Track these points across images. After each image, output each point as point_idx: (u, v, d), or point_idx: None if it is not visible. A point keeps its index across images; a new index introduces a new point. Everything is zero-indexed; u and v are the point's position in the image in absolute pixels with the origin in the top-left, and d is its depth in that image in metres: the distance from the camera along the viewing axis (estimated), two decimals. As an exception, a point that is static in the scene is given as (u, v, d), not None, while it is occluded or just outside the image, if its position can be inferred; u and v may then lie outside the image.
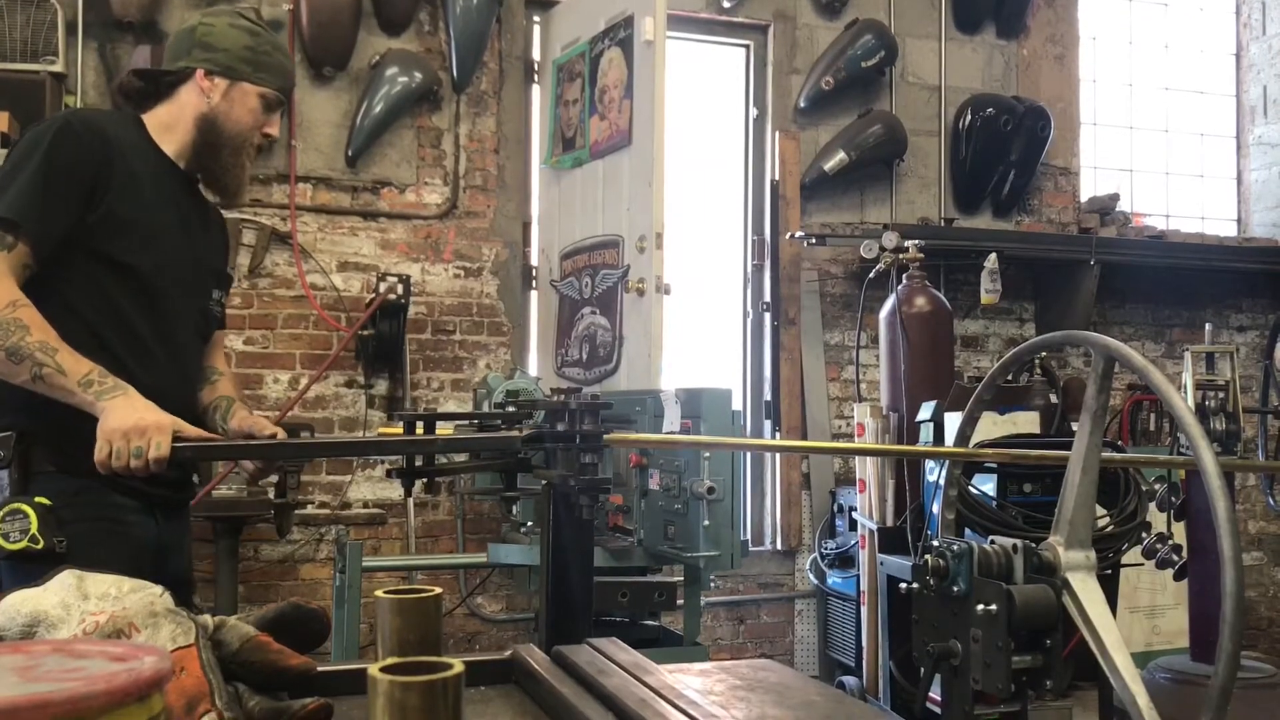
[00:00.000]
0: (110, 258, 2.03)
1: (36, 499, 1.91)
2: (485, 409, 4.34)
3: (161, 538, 2.12)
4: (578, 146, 4.76)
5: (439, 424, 2.02)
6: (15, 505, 1.90)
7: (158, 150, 2.15)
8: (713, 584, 4.57)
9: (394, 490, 4.69)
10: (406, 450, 1.80)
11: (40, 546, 1.89)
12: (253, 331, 4.62)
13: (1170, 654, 4.29)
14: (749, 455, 5.11)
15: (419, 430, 1.83)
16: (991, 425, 3.81)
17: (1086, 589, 1.59)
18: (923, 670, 1.70)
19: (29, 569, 1.74)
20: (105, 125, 2.08)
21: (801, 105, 5.43)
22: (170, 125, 2.16)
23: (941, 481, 2.49)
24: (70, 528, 1.92)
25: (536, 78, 5.13)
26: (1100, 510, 3.33)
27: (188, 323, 2.22)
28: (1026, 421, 3.97)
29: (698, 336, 5.40)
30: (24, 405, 1.93)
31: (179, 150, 2.17)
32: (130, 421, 1.81)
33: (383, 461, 4.52)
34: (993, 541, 1.65)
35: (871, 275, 4.68)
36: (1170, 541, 3.67)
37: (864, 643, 4.57)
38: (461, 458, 1.95)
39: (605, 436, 1.68)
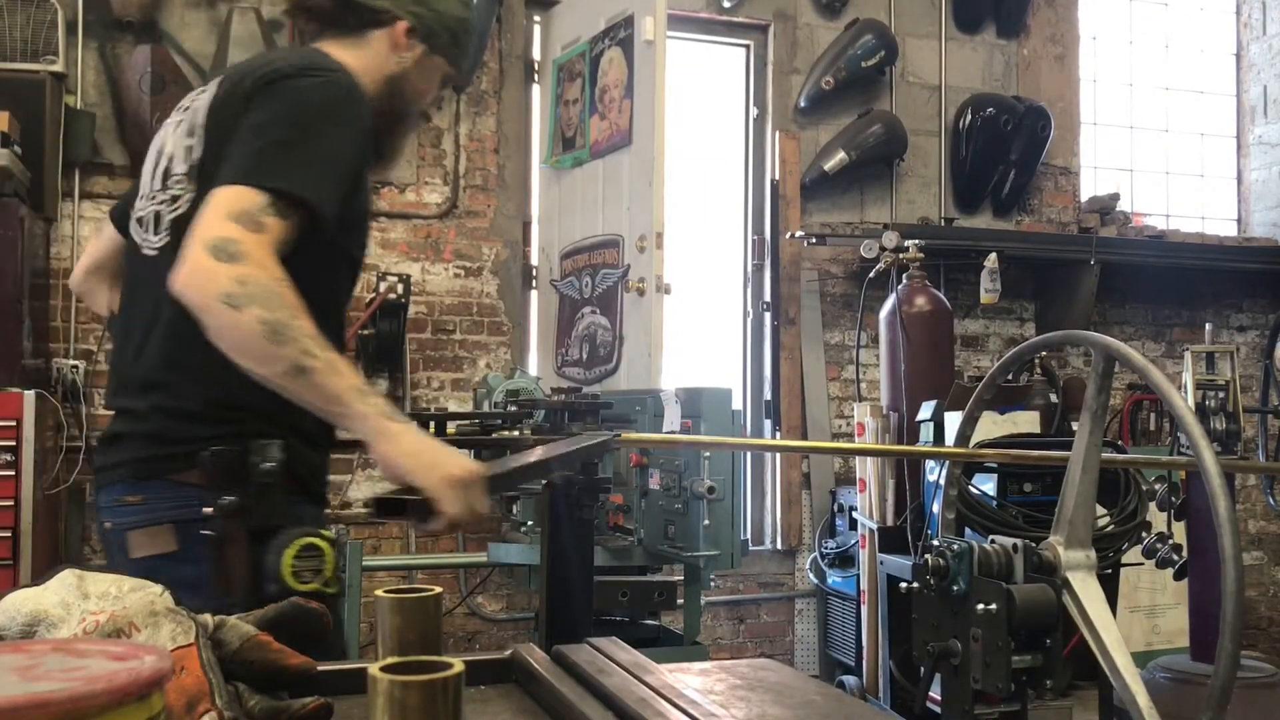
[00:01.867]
0: (347, 253, 1.77)
1: (323, 532, 1.51)
2: (485, 409, 4.34)
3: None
4: (578, 146, 4.76)
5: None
6: (311, 540, 1.48)
7: None
8: (713, 583, 4.57)
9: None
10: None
11: (333, 591, 1.50)
12: (253, 331, 4.61)
13: (1170, 654, 4.28)
14: (749, 455, 5.11)
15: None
16: (991, 425, 3.81)
17: (1086, 588, 1.60)
18: (923, 670, 1.70)
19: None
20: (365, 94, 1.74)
21: (802, 105, 5.43)
22: (359, 74, 1.76)
23: (941, 481, 2.50)
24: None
25: (537, 77, 5.13)
26: (1100, 510, 3.33)
27: None
28: (1026, 421, 3.97)
29: (698, 336, 5.40)
30: (269, 413, 1.55)
31: None
32: (459, 459, 1.46)
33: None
34: (993, 541, 1.65)
35: (871, 275, 4.68)
36: (1170, 541, 3.67)
37: (864, 642, 4.57)
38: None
39: (614, 436, 1.67)
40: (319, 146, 1.59)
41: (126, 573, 1.02)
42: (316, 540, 1.48)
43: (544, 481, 1.68)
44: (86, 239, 4.36)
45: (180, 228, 1.58)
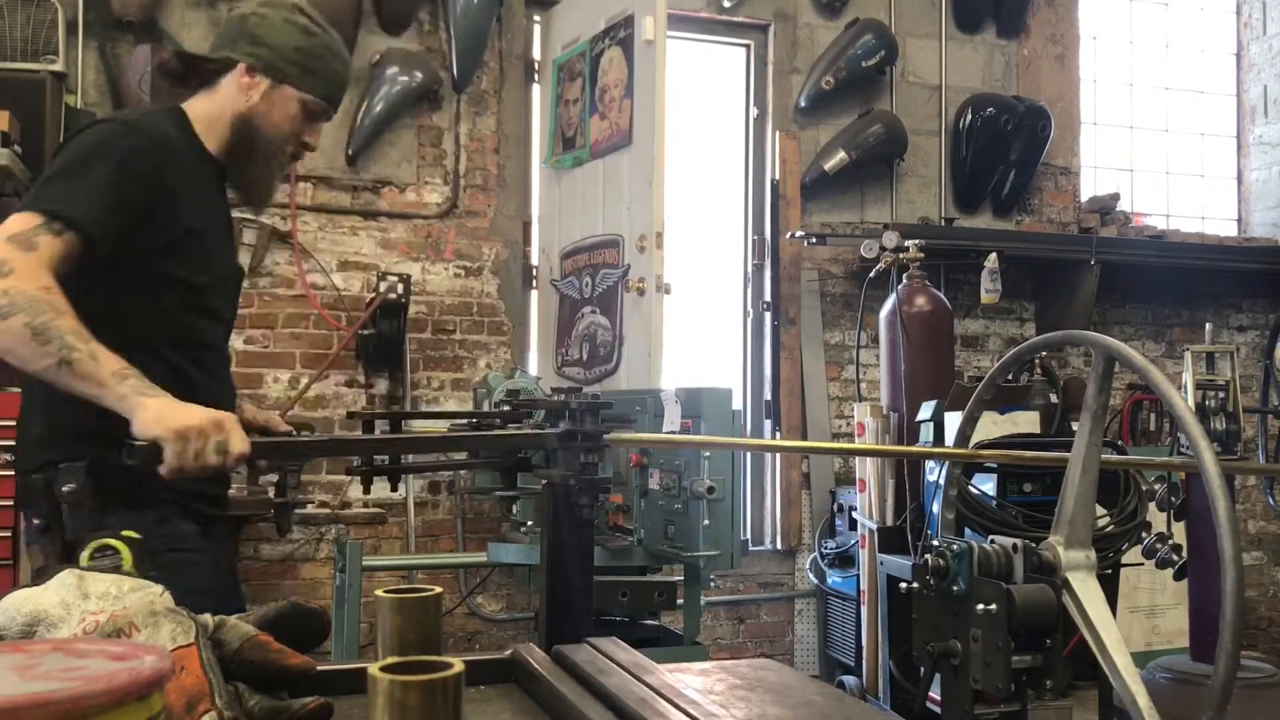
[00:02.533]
0: (171, 275, 1.92)
1: (124, 533, 1.65)
2: (485, 408, 4.34)
3: (217, 560, 2.05)
4: (578, 146, 4.76)
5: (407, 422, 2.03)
6: (104, 541, 1.63)
7: (203, 149, 2.03)
8: (713, 583, 4.57)
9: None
10: (432, 448, 1.77)
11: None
12: (253, 331, 4.62)
13: (1170, 654, 4.28)
14: (749, 455, 5.11)
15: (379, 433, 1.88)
16: (991, 425, 3.81)
17: (1086, 589, 1.60)
18: (923, 670, 1.70)
19: None
20: (167, 135, 1.95)
21: (802, 105, 5.43)
22: (211, 120, 2.01)
23: (941, 481, 2.50)
24: (154, 560, 1.72)
25: (537, 77, 5.13)
26: (1100, 510, 3.33)
27: (229, 329, 2.17)
28: (1026, 421, 3.97)
29: (698, 336, 5.40)
30: (92, 433, 1.76)
31: (219, 147, 2.03)
32: (200, 417, 1.65)
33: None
34: (993, 541, 1.65)
35: (872, 275, 4.68)
36: (1170, 541, 3.67)
37: (864, 642, 4.57)
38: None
39: (606, 436, 1.68)
40: (87, 177, 1.81)
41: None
42: (110, 540, 1.58)
43: (544, 481, 1.69)
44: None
45: None
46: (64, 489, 1.74)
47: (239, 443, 1.66)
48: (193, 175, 1.97)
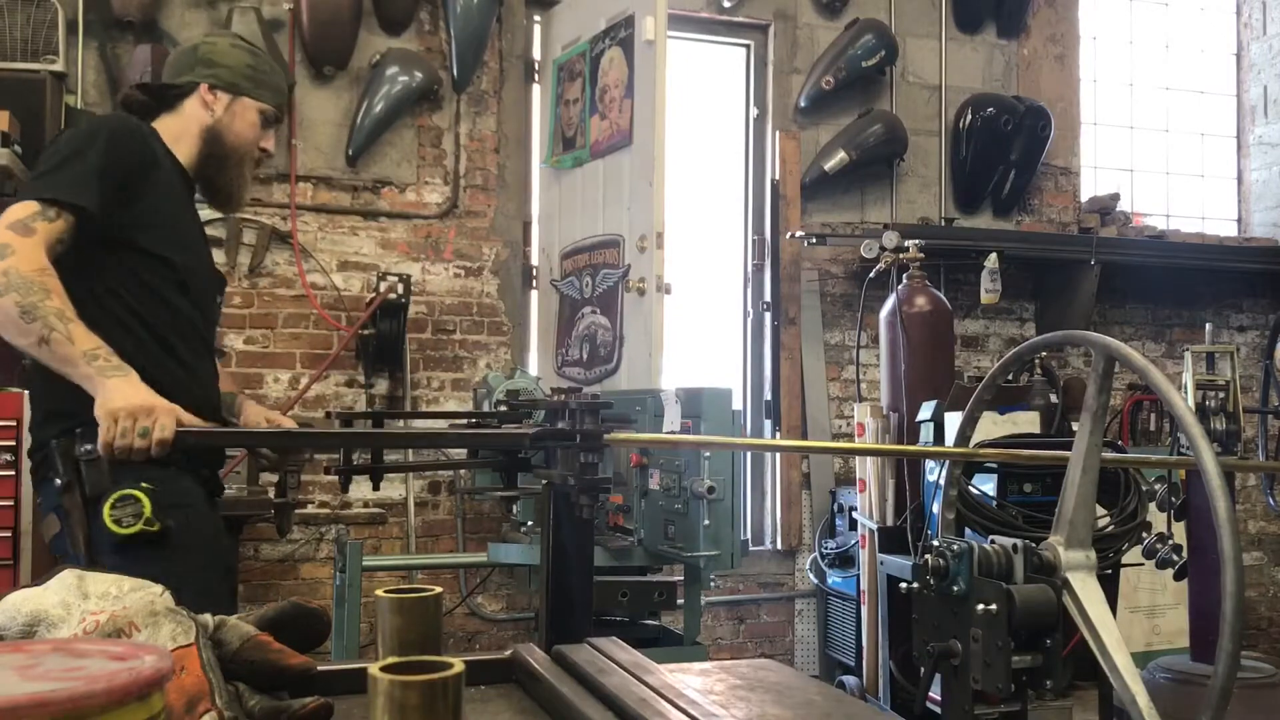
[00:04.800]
0: (151, 252, 2.11)
1: (143, 483, 1.88)
2: (485, 408, 4.34)
3: (215, 525, 2.23)
4: (578, 146, 4.76)
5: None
6: (126, 491, 1.85)
7: (176, 160, 2.25)
8: (713, 583, 4.57)
9: (394, 489, 4.70)
10: (410, 445, 1.81)
11: (156, 529, 1.86)
12: (253, 331, 4.62)
13: (1170, 654, 4.29)
14: (749, 455, 5.11)
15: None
16: (991, 425, 3.81)
17: (1086, 589, 1.59)
18: (923, 670, 1.70)
19: (141, 554, 1.85)
20: (146, 128, 2.20)
21: (802, 105, 5.43)
22: (179, 136, 2.25)
23: (941, 481, 2.50)
24: (167, 512, 1.91)
25: (537, 77, 5.13)
26: (1100, 510, 3.33)
27: (211, 320, 2.34)
28: (1026, 421, 3.97)
29: (698, 336, 5.40)
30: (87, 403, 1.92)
31: (188, 161, 2.26)
32: (136, 401, 1.80)
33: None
34: (993, 541, 1.65)
35: (872, 275, 4.68)
36: (1170, 541, 3.67)
37: (864, 642, 4.57)
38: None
39: (606, 436, 1.68)
40: (74, 163, 2.00)
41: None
42: (131, 490, 1.84)
43: (544, 481, 1.69)
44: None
45: None
46: (83, 449, 1.92)
47: (161, 430, 1.78)
48: (169, 170, 2.19)
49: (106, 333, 1.95)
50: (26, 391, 2.36)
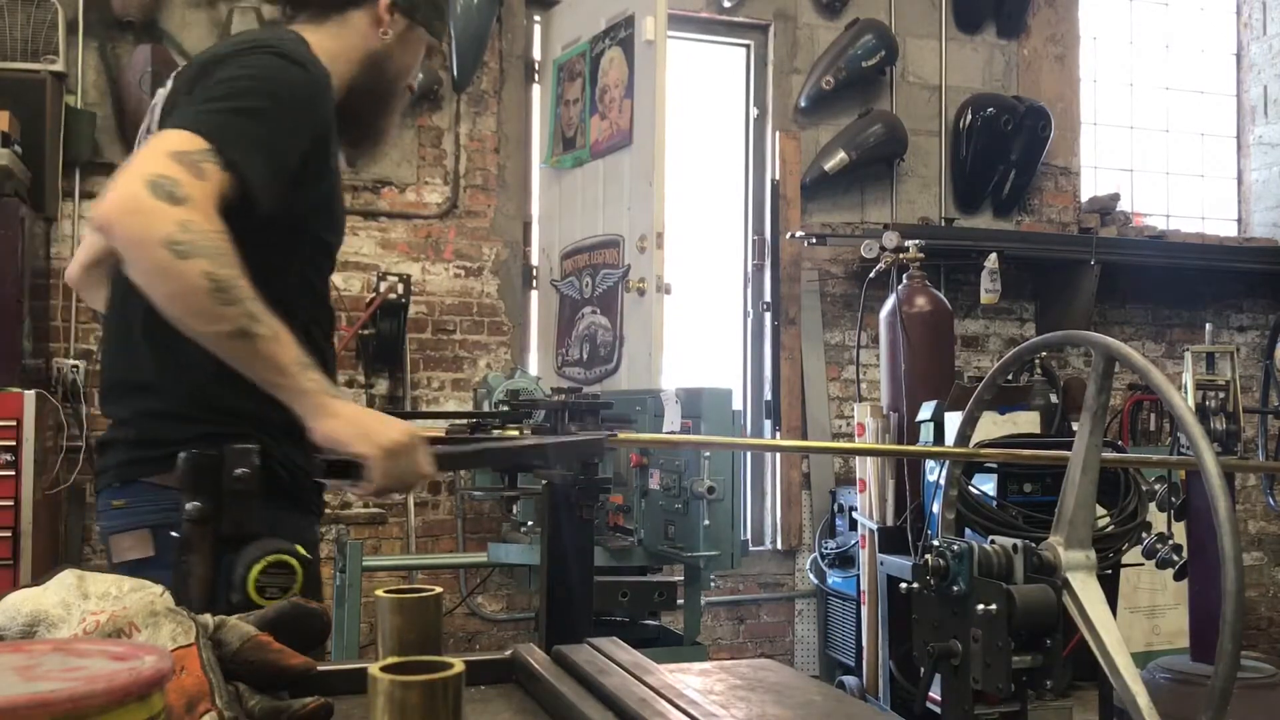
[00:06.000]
0: (312, 235, 1.72)
1: (299, 550, 1.41)
2: (485, 408, 4.34)
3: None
4: (578, 146, 4.76)
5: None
6: (282, 557, 1.37)
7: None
8: (713, 583, 4.57)
9: (394, 490, 4.69)
10: None
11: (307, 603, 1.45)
12: (253, 331, 4.61)
13: (1170, 654, 4.28)
14: (749, 455, 5.11)
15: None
16: (991, 425, 3.81)
17: (1086, 589, 1.60)
18: (923, 670, 1.70)
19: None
20: (322, 68, 1.70)
21: (802, 105, 5.43)
22: (337, 55, 1.76)
23: (941, 481, 2.50)
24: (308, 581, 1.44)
25: (537, 77, 5.13)
26: (1100, 510, 3.33)
27: None
28: (1026, 421, 3.97)
29: (698, 336, 5.40)
30: (251, 415, 1.51)
31: (339, 86, 1.76)
32: (399, 433, 1.45)
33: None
34: (993, 541, 1.65)
35: (872, 275, 4.68)
36: (1170, 541, 3.67)
37: (864, 642, 4.57)
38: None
39: (619, 435, 1.68)
40: (257, 120, 1.53)
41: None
42: (288, 558, 1.39)
43: (544, 481, 1.69)
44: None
45: None
46: (236, 473, 1.41)
47: (428, 461, 1.47)
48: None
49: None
50: (96, 362, 1.84)
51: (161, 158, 1.40)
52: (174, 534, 1.43)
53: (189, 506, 1.41)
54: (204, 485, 1.41)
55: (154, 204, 1.35)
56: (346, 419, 1.44)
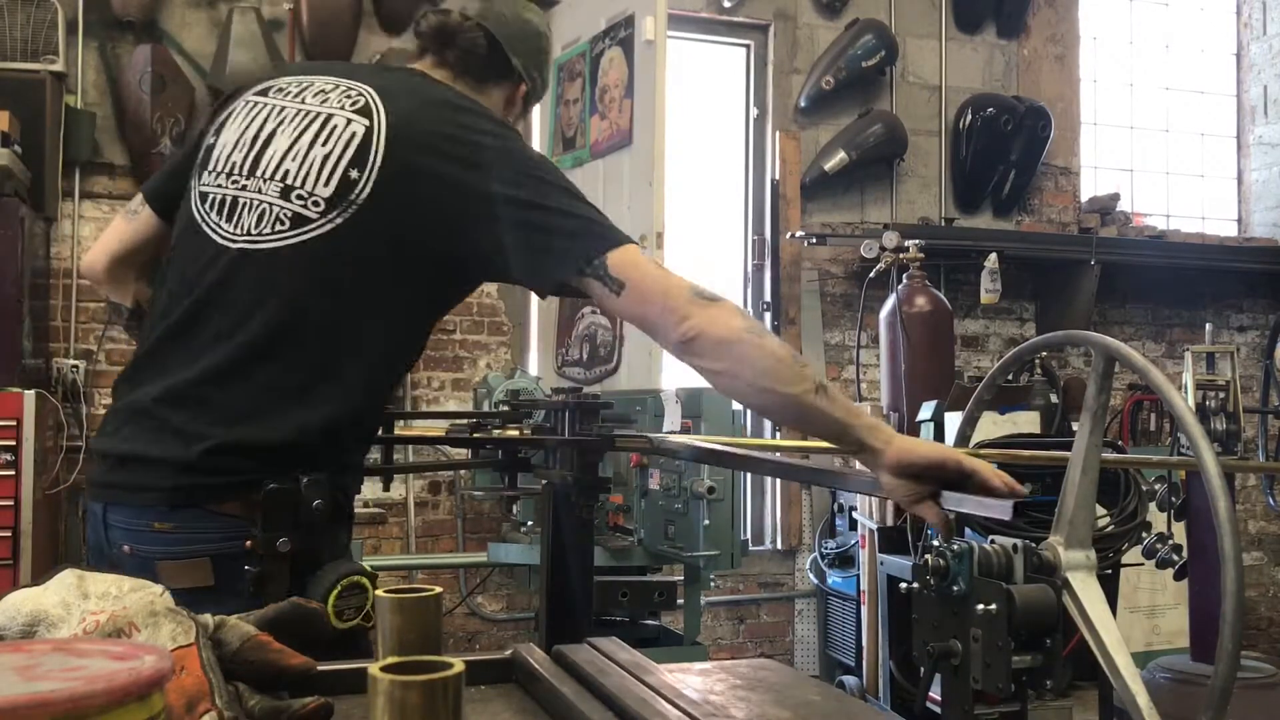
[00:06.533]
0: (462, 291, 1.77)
1: (365, 568, 1.51)
2: (486, 408, 4.34)
3: None
4: (578, 146, 4.76)
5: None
6: (357, 578, 1.46)
7: None
8: (713, 583, 4.57)
9: (394, 489, 4.69)
10: None
11: (370, 625, 1.47)
12: (253, 331, 4.61)
13: (1170, 654, 4.28)
14: (749, 455, 5.10)
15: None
16: (991, 425, 3.81)
17: (1087, 589, 1.59)
18: (923, 670, 1.70)
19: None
20: None
21: (802, 105, 5.43)
22: None
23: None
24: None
25: (537, 77, 5.12)
26: (1100, 510, 3.33)
27: None
28: (1026, 421, 3.97)
29: (698, 336, 5.39)
30: (313, 444, 1.51)
31: None
32: (981, 461, 1.49)
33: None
34: (993, 541, 1.65)
35: (872, 275, 4.68)
36: (1170, 541, 3.67)
37: (864, 642, 4.57)
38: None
39: (613, 437, 1.68)
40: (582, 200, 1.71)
41: None
42: (361, 579, 1.46)
43: (544, 481, 1.69)
44: (87, 239, 4.36)
45: (315, 249, 1.52)
46: (315, 504, 1.47)
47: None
48: None
49: (390, 365, 1.63)
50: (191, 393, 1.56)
51: (665, 272, 1.66)
52: (246, 567, 1.45)
53: (280, 541, 1.45)
54: (286, 519, 1.45)
55: (717, 309, 1.54)
56: (911, 439, 1.50)
